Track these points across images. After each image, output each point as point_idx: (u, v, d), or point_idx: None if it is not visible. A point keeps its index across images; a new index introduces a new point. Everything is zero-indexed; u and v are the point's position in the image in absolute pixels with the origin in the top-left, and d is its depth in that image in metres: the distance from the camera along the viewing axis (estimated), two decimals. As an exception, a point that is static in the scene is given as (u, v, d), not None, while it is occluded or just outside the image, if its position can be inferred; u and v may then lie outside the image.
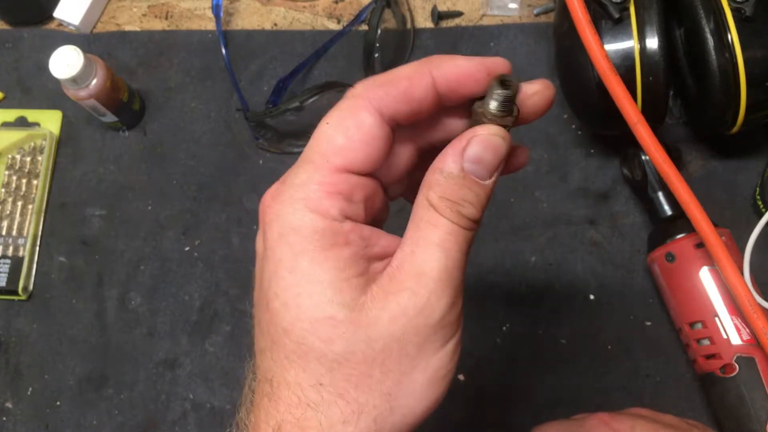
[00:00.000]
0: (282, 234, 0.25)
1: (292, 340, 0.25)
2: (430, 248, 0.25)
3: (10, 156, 0.62)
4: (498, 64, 0.27)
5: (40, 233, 0.61)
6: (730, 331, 0.46)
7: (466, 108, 0.28)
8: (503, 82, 0.26)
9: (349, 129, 0.26)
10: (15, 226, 0.60)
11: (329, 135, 0.26)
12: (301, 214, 0.25)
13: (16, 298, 0.59)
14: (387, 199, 0.30)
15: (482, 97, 0.27)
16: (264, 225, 0.27)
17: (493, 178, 0.26)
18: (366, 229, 0.26)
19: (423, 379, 0.25)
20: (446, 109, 0.28)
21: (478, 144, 0.26)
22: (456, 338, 0.26)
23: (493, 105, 0.26)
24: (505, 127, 0.27)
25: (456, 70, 0.26)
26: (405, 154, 0.29)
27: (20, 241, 0.60)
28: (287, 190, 0.26)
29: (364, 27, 0.59)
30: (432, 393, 0.26)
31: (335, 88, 0.56)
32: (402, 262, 0.25)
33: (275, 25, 0.65)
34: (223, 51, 0.58)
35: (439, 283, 0.25)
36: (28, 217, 0.61)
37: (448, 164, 0.26)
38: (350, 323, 0.25)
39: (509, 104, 0.26)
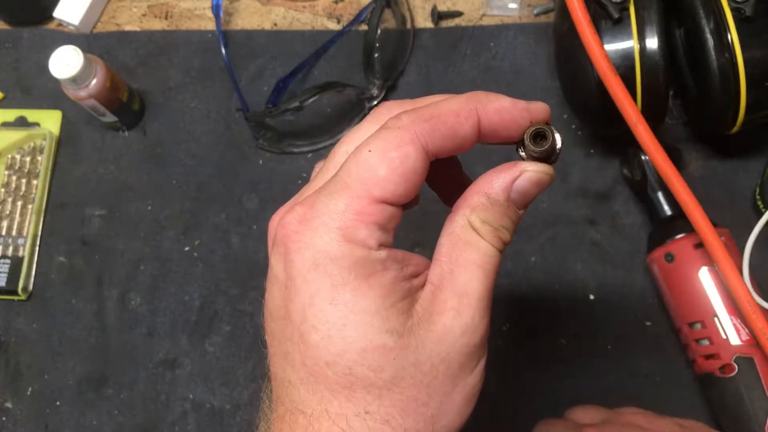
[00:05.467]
0: (318, 264, 0.25)
1: (336, 372, 0.25)
2: (471, 269, 0.26)
3: (9, 156, 0.62)
4: (540, 110, 0.28)
5: (39, 233, 0.61)
6: (729, 332, 0.46)
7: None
8: (538, 134, 0.28)
9: (393, 161, 0.25)
10: (15, 226, 0.60)
11: (371, 164, 0.25)
12: (337, 244, 0.24)
13: (15, 298, 0.59)
14: None
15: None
16: (288, 251, 0.25)
17: (527, 207, 0.28)
18: (398, 253, 0.26)
19: (461, 398, 0.26)
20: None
21: (529, 181, 0.27)
22: (486, 355, 0.27)
23: (531, 154, 0.28)
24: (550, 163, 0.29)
25: (501, 115, 0.27)
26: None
27: (20, 241, 0.60)
28: (319, 216, 0.25)
29: (364, 27, 0.59)
30: (467, 409, 0.27)
31: (335, 88, 0.56)
32: (442, 280, 0.26)
33: (275, 25, 0.65)
34: (223, 51, 0.58)
35: (481, 303, 0.26)
36: (28, 217, 0.61)
37: (495, 191, 0.27)
38: (401, 349, 0.24)
39: (548, 155, 0.28)
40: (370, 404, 0.24)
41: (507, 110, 0.27)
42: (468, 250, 0.26)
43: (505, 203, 0.27)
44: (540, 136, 0.27)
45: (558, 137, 0.28)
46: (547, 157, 0.28)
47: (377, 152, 0.25)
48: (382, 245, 0.25)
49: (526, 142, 0.28)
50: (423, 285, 0.27)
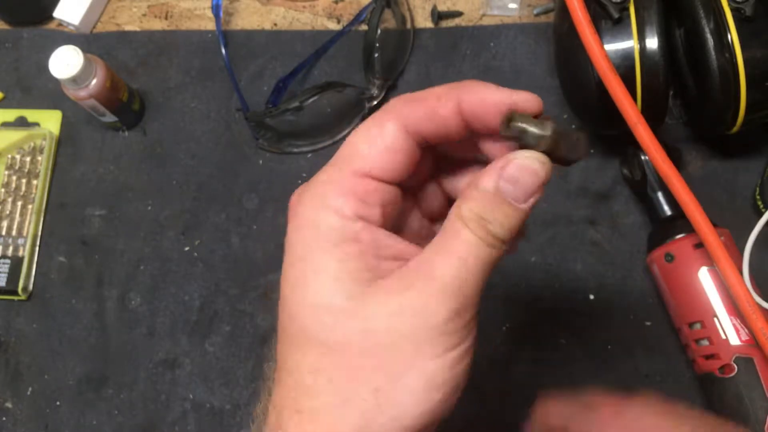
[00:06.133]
0: (299, 227, 0.27)
1: (295, 325, 0.26)
2: (448, 257, 0.26)
3: (9, 156, 0.62)
4: (526, 99, 0.27)
5: (39, 233, 0.61)
6: (729, 332, 0.46)
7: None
8: (510, 119, 0.27)
9: (372, 137, 0.27)
10: (15, 226, 0.60)
11: (353, 141, 0.27)
12: (316, 210, 0.27)
13: (15, 298, 0.59)
14: (425, 218, 0.32)
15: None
16: (288, 221, 0.28)
17: (529, 203, 0.27)
18: (380, 232, 0.27)
19: (417, 383, 0.25)
20: (486, 135, 0.29)
21: (515, 166, 0.26)
22: (460, 349, 0.26)
23: (505, 139, 0.27)
24: (548, 154, 0.27)
25: (481, 98, 0.27)
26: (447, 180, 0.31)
27: (20, 241, 0.60)
28: (309, 189, 0.27)
29: (364, 27, 0.59)
30: (428, 399, 0.25)
31: (335, 88, 0.56)
32: (418, 263, 0.26)
33: (275, 25, 0.65)
34: (223, 51, 0.58)
35: (447, 288, 0.25)
36: (28, 217, 0.61)
37: (484, 180, 0.27)
38: (349, 312, 0.25)
39: (533, 140, 0.27)
40: (319, 362, 0.26)
41: (489, 94, 0.27)
42: (450, 239, 0.26)
43: (494, 192, 0.26)
44: (509, 119, 0.26)
45: (540, 129, 0.26)
46: (550, 149, 0.27)
47: (360, 130, 0.28)
48: (361, 217, 0.27)
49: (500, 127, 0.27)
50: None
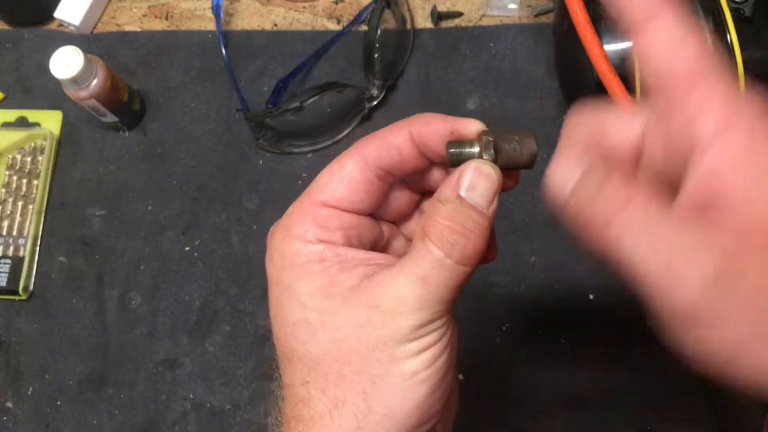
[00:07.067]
0: (271, 257, 0.29)
1: (281, 344, 0.29)
2: (411, 278, 0.26)
3: (10, 156, 0.63)
4: (464, 124, 0.29)
5: (40, 233, 0.61)
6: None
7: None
8: (448, 144, 0.28)
9: (332, 170, 0.30)
10: (15, 226, 0.61)
11: (318, 177, 0.30)
12: (284, 240, 0.29)
13: (16, 298, 0.59)
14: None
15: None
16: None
17: (491, 208, 0.28)
18: (341, 248, 0.29)
19: (399, 382, 0.27)
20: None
21: (470, 172, 0.28)
22: (436, 348, 0.27)
23: (450, 161, 0.29)
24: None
25: (426, 128, 0.29)
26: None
27: (20, 241, 0.60)
28: (279, 223, 0.30)
29: (364, 27, 0.59)
30: (414, 394, 0.27)
31: (335, 88, 0.56)
32: (382, 280, 0.27)
33: (275, 25, 0.65)
34: (223, 51, 0.58)
35: (413, 309, 0.26)
36: (29, 217, 0.61)
37: (444, 193, 0.28)
38: (321, 325, 0.27)
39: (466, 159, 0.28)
40: (307, 374, 0.28)
41: (432, 123, 0.29)
42: (415, 258, 0.27)
43: (457, 201, 0.27)
44: (451, 144, 0.28)
45: (471, 147, 0.28)
46: (492, 159, 0.28)
47: (326, 167, 0.30)
48: (321, 240, 0.29)
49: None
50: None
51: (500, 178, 0.28)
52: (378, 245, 0.32)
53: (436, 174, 0.31)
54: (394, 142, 0.29)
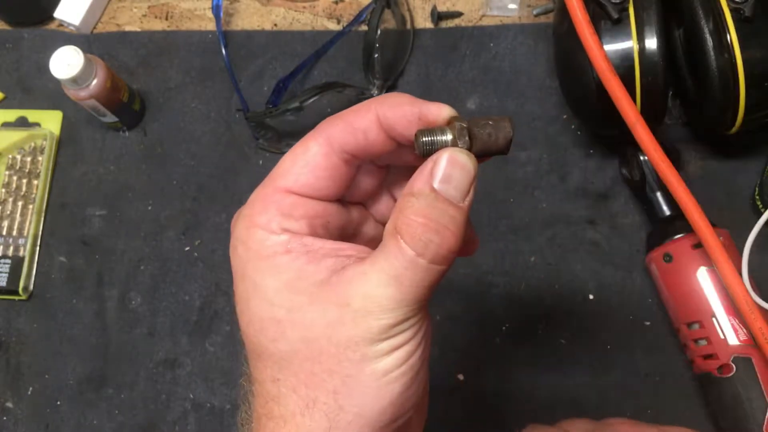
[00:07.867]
0: (234, 248, 0.28)
1: (250, 341, 0.27)
2: (383, 277, 0.25)
3: (10, 156, 0.63)
4: (435, 109, 0.27)
5: (40, 233, 0.61)
6: (728, 332, 0.46)
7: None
8: (416, 137, 0.27)
9: (296, 156, 0.28)
10: (15, 226, 0.61)
11: (281, 162, 0.28)
12: (247, 230, 0.27)
13: (16, 298, 0.59)
14: (381, 225, 0.32)
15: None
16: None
17: (467, 201, 0.26)
18: (308, 238, 0.27)
19: (371, 381, 0.26)
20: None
21: (444, 161, 0.26)
22: (409, 345, 0.26)
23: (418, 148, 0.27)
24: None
25: (393, 109, 0.27)
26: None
27: (21, 241, 0.60)
28: (242, 210, 0.28)
29: (364, 27, 0.59)
30: (387, 392, 0.26)
31: (335, 88, 0.56)
32: (353, 277, 0.26)
33: (275, 25, 0.65)
34: (223, 51, 0.58)
35: (385, 309, 0.25)
36: (29, 217, 0.61)
37: (417, 186, 0.26)
38: (290, 323, 0.26)
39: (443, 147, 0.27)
40: (277, 372, 0.26)
41: (400, 105, 0.27)
42: (387, 257, 0.25)
43: (431, 194, 0.25)
44: (416, 139, 0.27)
45: (442, 135, 0.26)
46: (467, 147, 0.27)
47: (288, 152, 0.28)
48: (286, 230, 0.27)
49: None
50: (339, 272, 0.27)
51: (476, 167, 0.26)
52: (347, 232, 0.30)
53: (404, 152, 0.29)
54: (360, 125, 0.27)
